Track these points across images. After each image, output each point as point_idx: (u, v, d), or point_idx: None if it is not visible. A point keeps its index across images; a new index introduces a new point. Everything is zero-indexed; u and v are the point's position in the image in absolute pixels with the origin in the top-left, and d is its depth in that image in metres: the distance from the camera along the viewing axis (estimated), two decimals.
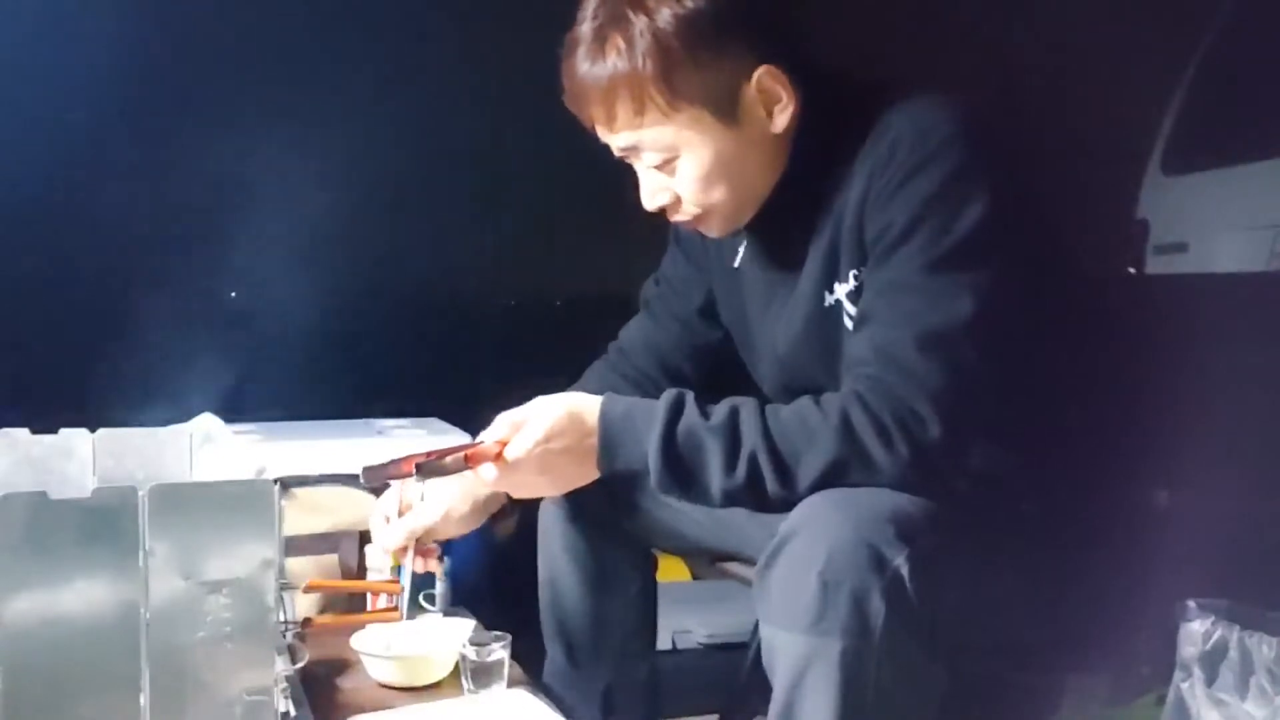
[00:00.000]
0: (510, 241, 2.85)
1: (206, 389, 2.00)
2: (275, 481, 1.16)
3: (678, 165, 1.27)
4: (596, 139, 1.30)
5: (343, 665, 1.51)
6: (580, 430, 1.24)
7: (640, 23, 1.20)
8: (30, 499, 1.05)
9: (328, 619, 1.68)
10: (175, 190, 2.53)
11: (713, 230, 1.35)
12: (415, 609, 1.49)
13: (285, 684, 1.20)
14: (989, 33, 3.31)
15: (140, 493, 1.09)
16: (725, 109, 1.24)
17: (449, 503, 1.41)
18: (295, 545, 1.81)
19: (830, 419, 1.16)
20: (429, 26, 2.70)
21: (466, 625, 1.52)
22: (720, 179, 1.27)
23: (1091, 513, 1.28)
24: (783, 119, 1.26)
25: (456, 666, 1.44)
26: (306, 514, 1.92)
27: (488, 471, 1.26)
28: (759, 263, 1.40)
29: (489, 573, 1.95)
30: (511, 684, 1.40)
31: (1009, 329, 1.18)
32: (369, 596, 1.68)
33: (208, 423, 1.47)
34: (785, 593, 1.11)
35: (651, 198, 1.31)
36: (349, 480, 1.97)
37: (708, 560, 1.62)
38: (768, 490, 1.17)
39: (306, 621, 1.46)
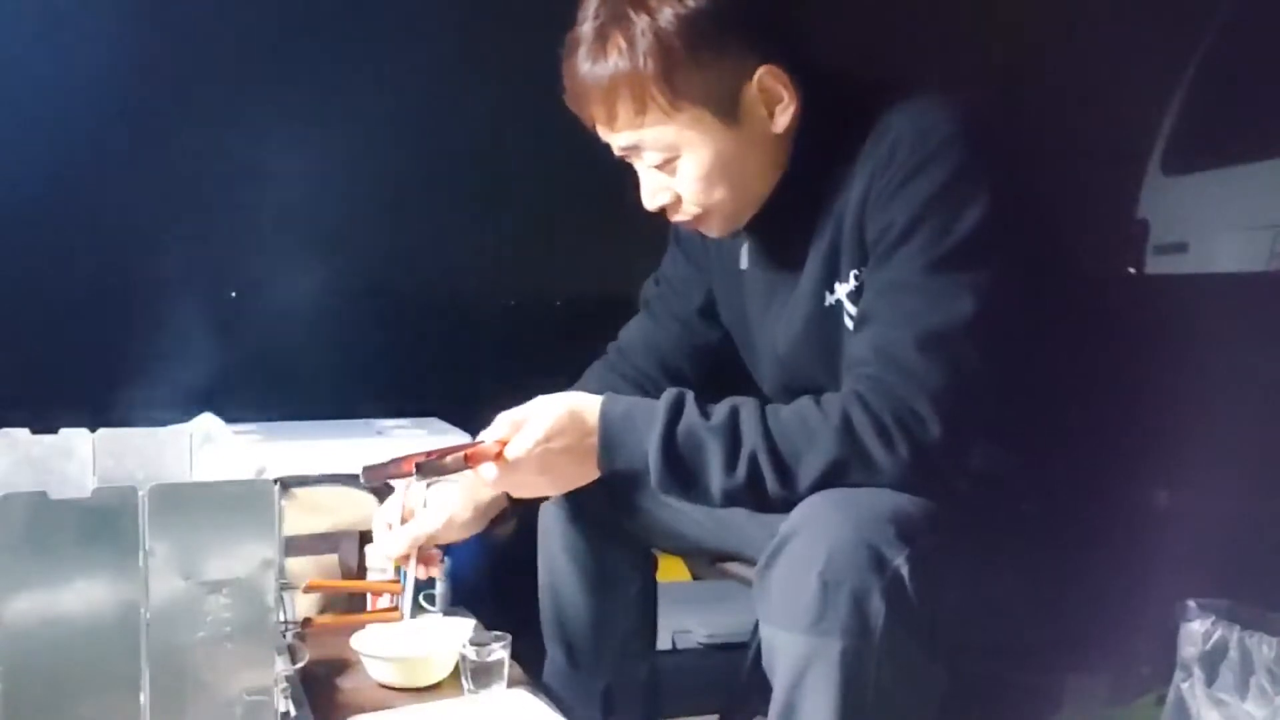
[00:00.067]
0: (510, 241, 2.84)
1: (206, 389, 1.99)
2: (275, 481, 1.16)
3: (679, 165, 1.27)
4: (597, 139, 1.30)
5: (343, 665, 1.51)
6: (580, 430, 1.24)
7: (642, 22, 1.20)
8: (30, 499, 1.05)
9: (328, 619, 1.68)
10: (175, 190, 2.52)
11: (713, 230, 1.35)
12: (415, 609, 1.49)
13: (285, 684, 1.20)
14: (989, 33, 3.31)
15: (140, 493, 1.09)
16: (726, 109, 1.24)
17: (451, 509, 1.41)
18: (295, 545, 1.81)
19: (831, 419, 1.16)
20: (429, 26, 2.70)
21: (466, 625, 1.52)
22: (721, 179, 1.27)
23: (1091, 513, 1.28)
24: (784, 119, 1.26)
25: (456, 666, 1.43)
26: (306, 514, 1.92)
27: (488, 471, 1.26)
28: (759, 263, 1.40)
29: (489, 573, 1.95)
30: (511, 684, 1.40)
31: (1009, 329, 1.18)
32: (369, 596, 1.68)
33: (208, 423, 1.46)
34: (785, 593, 1.11)
35: (652, 197, 1.31)
36: (349, 480, 1.97)
37: (708, 560, 1.62)
38: (768, 490, 1.17)
39: (306, 621, 1.46)
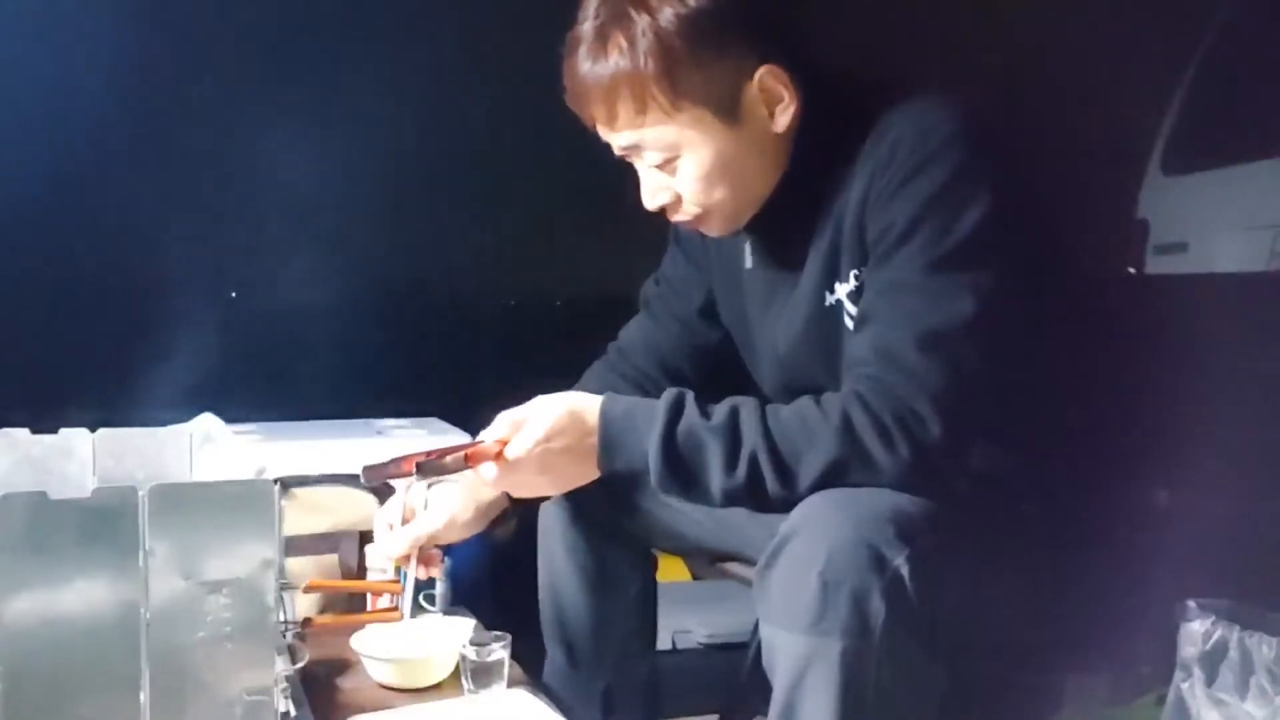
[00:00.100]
0: (510, 241, 2.84)
1: (206, 389, 1.99)
2: (275, 481, 1.16)
3: (679, 164, 1.27)
4: (597, 138, 1.30)
5: (343, 665, 1.51)
6: (581, 429, 1.24)
7: (642, 21, 1.20)
8: (30, 499, 1.05)
9: (328, 619, 1.68)
10: (175, 190, 2.52)
11: (713, 230, 1.35)
12: (415, 609, 1.49)
13: (285, 684, 1.20)
14: (989, 33, 3.31)
15: (140, 493, 1.09)
16: (727, 108, 1.24)
17: (452, 509, 1.41)
18: (295, 545, 1.81)
19: (831, 419, 1.16)
20: (429, 26, 2.70)
21: (466, 625, 1.52)
22: (721, 179, 1.27)
23: (1091, 513, 1.28)
24: (784, 119, 1.26)
25: (456, 666, 1.43)
26: (306, 514, 1.92)
27: (488, 471, 1.26)
28: (759, 263, 1.40)
29: (489, 573, 1.95)
30: (511, 684, 1.40)
31: (1009, 329, 1.18)
32: (369, 596, 1.68)
33: (208, 423, 1.46)
34: (785, 593, 1.11)
35: (652, 197, 1.31)
36: (349, 480, 1.98)
37: (708, 560, 1.62)
38: (768, 490, 1.17)
39: (306, 621, 1.46)
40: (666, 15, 1.20)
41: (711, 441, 1.18)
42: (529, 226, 2.85)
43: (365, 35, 2.68)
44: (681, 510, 1.43)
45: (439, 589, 1.56)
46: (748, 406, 1.20)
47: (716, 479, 1.19)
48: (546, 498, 1.48)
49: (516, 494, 1.36)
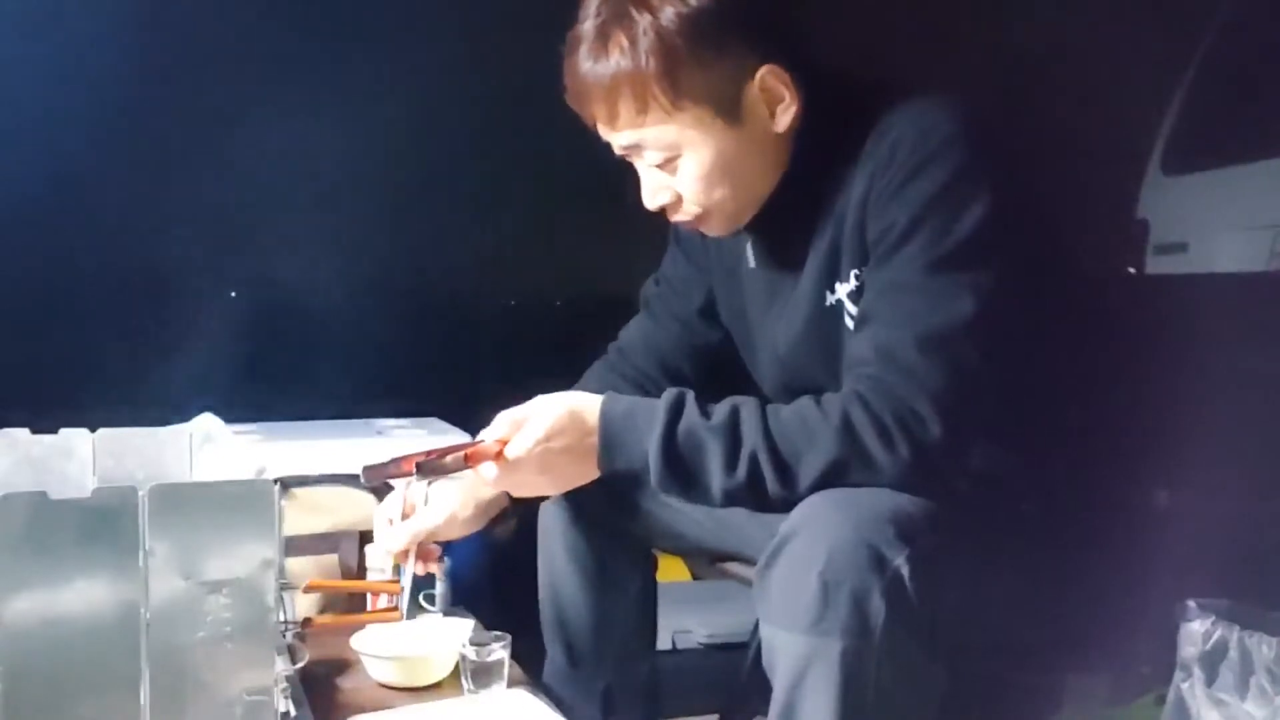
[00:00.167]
0: (510, 241, 2.84)
1: (206, 389, 1.99)
2: (275, 481, 1.16)
3: (680, 164, 1.27)
4: (597, 138, 1.30)
5: (343, 665, 1.51)
6: (581, 429, 1.24)
7: (644, 21, 1.20)
8: (30, 499, 1.05)
9: (328, 619, 1.69)
10: (175, 190, 2.53)
11: (713, 230, 1.35)
12: (415, 609, 1.49)
13: (285, 684, 1.20)
14: (989, 33, 3.31)
15: (140, 493, 1.09)
16: (728, 108, 1.24)
17: (452, 506, 1.41)
18: (295, 545, 1.81)
19: (831, 419, 1.16)
20: (429, 26, 2.70)
21: (466, 625, 1.52)
22: (722, 178, 1.27)
23: (1091, 513, 1.28)
24: (785, 119, 1.26)
25: (456, 666, 1.43)
26: (306, 514, 1.92)
27: (488, 470, 1.26)
28: (760, 262, 1.40)
29: (489, 573, 1.95)
30: (511, 684, 1.40)
31: (1010, 329, 1.18)
32: (369, 596, 1.68)
33: (208, 423, 1.46)
34: (785, 593, 1.11)
35: (652, 197, 1.31)
36: (349, 480, 1.97)
37: (708, 560, 1.62)
38: (768, 490, 1.17)
39: (306, 621, 1.46)
40: (668, 14, 1.20)
41: (712, 441, 1.18)
42: (529, 226, 2.85)
43: (365, 35, 2.68)
44: (681, 510, 1.43)
45: (439, 589, 1.56)
46: (748, 406, 1.20)
47: (717, 479, 1.19)
48: (546, 497, 1.48)
49: (516, 493, 1.36)
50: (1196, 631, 1.37)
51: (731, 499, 1.20)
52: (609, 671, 1.54)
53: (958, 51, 3.14)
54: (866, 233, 1.23)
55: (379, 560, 1.66)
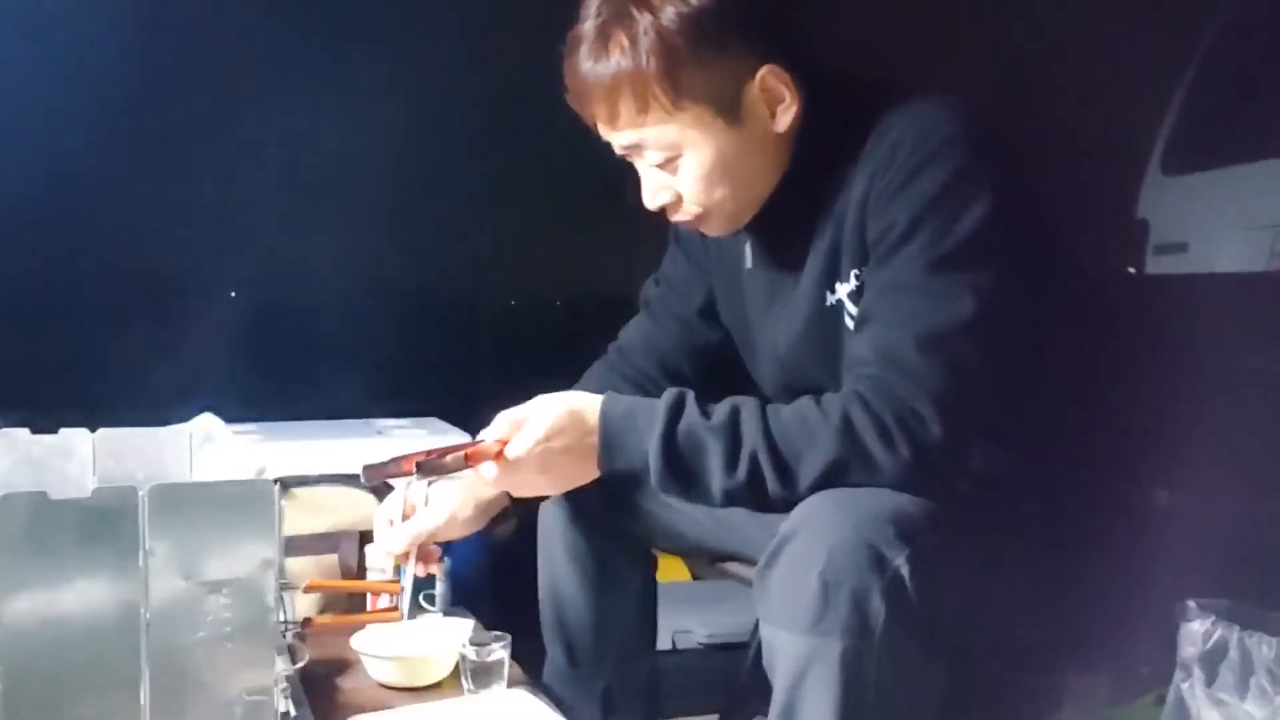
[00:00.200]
0: (510, 241, 2.85)
1: (206, 389, 1.99)
2: (275, 481, 1.16)
3: (680, 164, 1.27)
4: (597, 138, 1.30)
5: (343, 665, 1.51)
6: (581, 429, 1.24)
7: (644, 20, 1.20)
8: (30, 499, 1.05)
9: (328, 619, 1.68)
10: (175, 190, 2.53)
11: (713, 230, 1.35)
12: (415, 609, 1.49)
13: (285, 684, 1.20)
14: (989, 33, 3.31)
15: (140, 493, 1.09)
16: (728, 108, 1.24)
17: (452, 506, 1.41)
18: (295, 545, 1.81)
19: (831, 419, 1.16)
20: (429, 26, 2.70)
21: (466, 625, 1.52)
22: (722, 178, 1.27)
23: (1091, 513, 1.28)
24: (786, 119, 1.26)
25: (456, 666, 1.43)
26: (306, 514, 1.92)
27: (488, 470, 1.26)
28: (760, 262, 1.40)
29: (489, 573, 1.95)
30: (511, 684, 1.40)
31: (1010, 329, 1.18)
32: (369, 596, 1.68)
33: (208, 423, 1.46)
34: (785, 593, 1.11)
35: (653, 196, 1.31)
36: (349, 480, 1.97)
37: (708, 560, 1.62)
38: (768, 490, 1.17)
39: (306, 621, 1.46)
40: (669, 14, 1.20)
41: (712, 441, 1.18)
42: (529, 226, 2.85)
43: (365, 35, 2.68)
44: (681, 510, 1.43)
45: (439, 589, 1.56)
46: (748, 406, 1.20)
47: (717, 479, 1.18)
48: (546, 497, 1.48)
49: (517, 493, 1.36)
50: (1196, 631, 1.37)
51: (731, 499, 1.20)
52: (609, 671, 1.54)
53: (958, 51, 3.14)
54: (867, 233, 1.23)
55: (379, 560, 1.66)
